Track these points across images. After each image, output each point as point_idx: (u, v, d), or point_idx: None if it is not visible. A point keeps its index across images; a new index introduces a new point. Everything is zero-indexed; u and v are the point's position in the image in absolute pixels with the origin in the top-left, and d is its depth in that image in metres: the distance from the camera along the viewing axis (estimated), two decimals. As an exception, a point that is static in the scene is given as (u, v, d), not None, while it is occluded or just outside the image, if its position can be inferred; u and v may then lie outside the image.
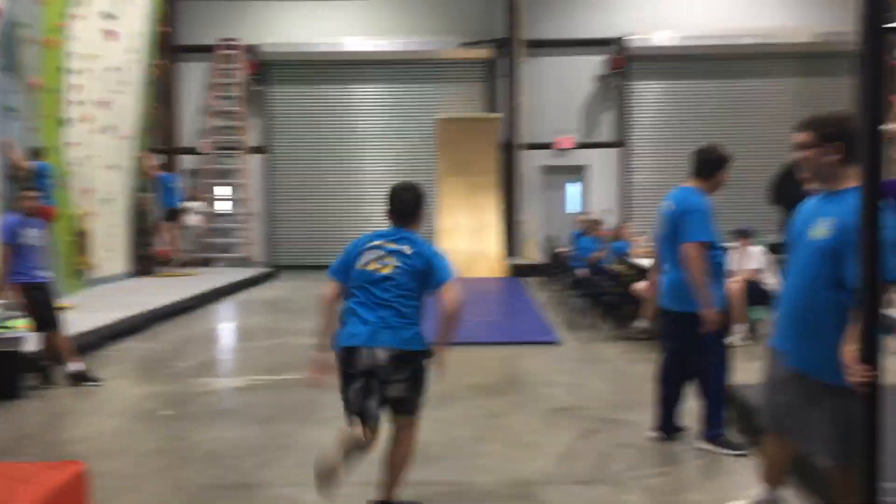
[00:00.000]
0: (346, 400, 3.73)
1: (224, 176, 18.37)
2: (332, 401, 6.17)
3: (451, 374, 7.09)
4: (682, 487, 4.28)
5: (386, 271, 3.74)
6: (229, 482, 4.45)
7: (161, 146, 17.31)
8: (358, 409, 3.66)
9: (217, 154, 18.13)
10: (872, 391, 2.64)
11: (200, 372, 7.48)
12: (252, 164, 18.29)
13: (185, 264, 15.49)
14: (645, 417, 5.64)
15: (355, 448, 3.60)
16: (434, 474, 4.53)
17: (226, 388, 6.82)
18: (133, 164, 14.50)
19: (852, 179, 3.06)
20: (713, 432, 4.85)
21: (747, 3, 17.63)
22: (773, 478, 3.60)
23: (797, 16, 17.51)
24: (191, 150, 18.25)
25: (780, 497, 3.64)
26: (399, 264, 3.74)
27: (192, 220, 15.94)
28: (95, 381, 6.84)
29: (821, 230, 3.11)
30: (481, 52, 17.78)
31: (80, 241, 12.12)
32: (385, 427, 3.82)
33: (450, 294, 3.74)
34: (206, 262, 17.66)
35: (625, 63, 17.43)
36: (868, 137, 2.56)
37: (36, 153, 10.30)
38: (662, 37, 17.37)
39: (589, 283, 9.82)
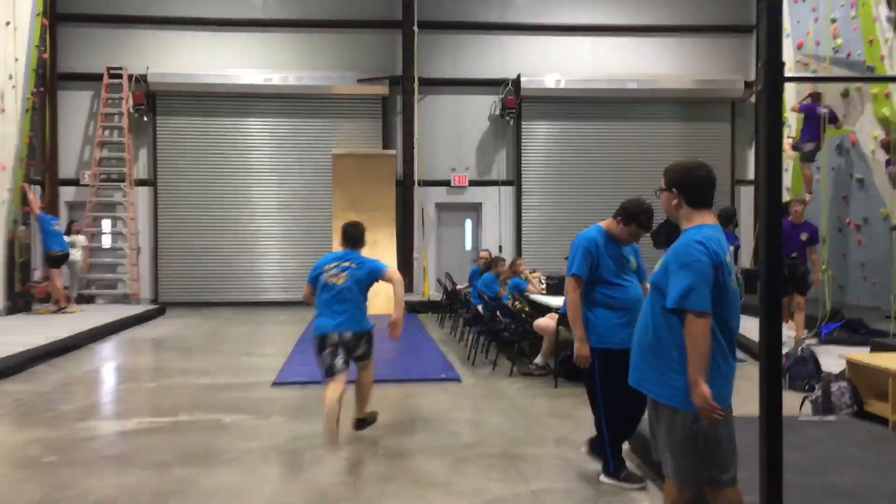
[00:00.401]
0: (322, 362, 5.83)
1: (108, 209, 17.66)
2: (230, 443, 6.00)
3: (352, 413, 7.02)
4: (589, 522, 4.35)
5: (340, 282, 5.90)
6: (124, 533, 4.21)
7: (40, 178, 16.50)
8: (328, 366, 5.76)
9: (101, 186, 17.43)
10: (775, 422, 2.75)
11: (85, 415, 7.09)
12: (138, 198, 17.67)
13: (66, 300, 14.72)
14: (547, 452, 5.73)
15: (335, 397, 5.54)
16: (341, 517, 4.43)
17: (115, 432, 6.47)
18: (10, 195, 13.75)
19: (691, 221, 3.42)
20: (612, 467, 4.95)
21: (631, 51, 18.49)
22: None
23: (678, 64, 18.50)
24: (73, 182, 17.47)
25: None
26: (348, 276, 5.92)
27: (74, 254, 15.18)
28: (-31, 427, 6.38)
29: (657, 266, 3.45)
30: (377, 89, 17.88)
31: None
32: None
33: (392, 274, 6.06)
34: (88, 299, 16.87)
35: (516, 104, 17.90)
36: (768, 182, 2.70)
37: None
38: (552, 79, 17.96)
39: (487, 320, 9.91)
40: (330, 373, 5.74)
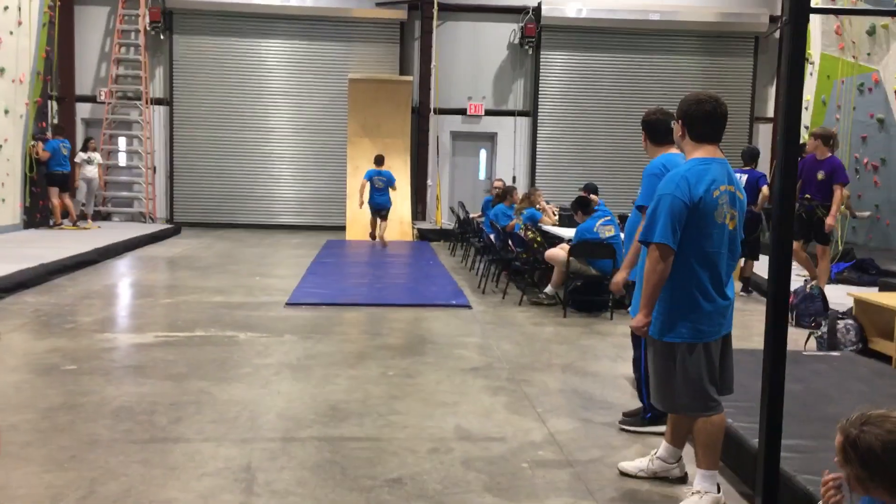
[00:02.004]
0: (371, 218, 14.73)
1: (124, 127, 17.67)
2: (244, 358, 6.17)
3: (363, 335, 7.18)
4: (592, 443, 4.49)
5: (380, 185, 14.29)
6: (143, 437, 4.38)
7: (57, 93, 16.48)
8: (374, 219, 14.67)
9: (117, 104, 17.40)
10: (777, 355, 2.83)
11: (103, 327, 7.28)
12: (154, 117, 17.64)
13: (81, 217, 14.89)
14: (553, 378, 5.87)
15: (375, 230, 14.81)
16: (352, 430, 4.58)
17: (132, 345, 6.65)
18: (27, 109, 13.77)
19: (692, 154, 3.56)
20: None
21: (656, -19, 18.06)
22: (676, 438, 3.85)
23: (702, -4, 18.08)
24: (90, 99, 17.44)
25: (677, 455, 3.88)
26: (384, 182, 14.32)
27: (90, 172, 15.27)
28: (-8, 334, 6.57)
29: None
30: (395, 13, 17.60)
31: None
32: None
33: (396, 187, 14.68)
34: (104, 217, 17.05)
35: (536, 32, 17.60)
36: (786, 118, 2.71)
37: None
38: (573, 8, 17.60)
39: (499, 249, 10.00)
40: (374, 221, 14.59)
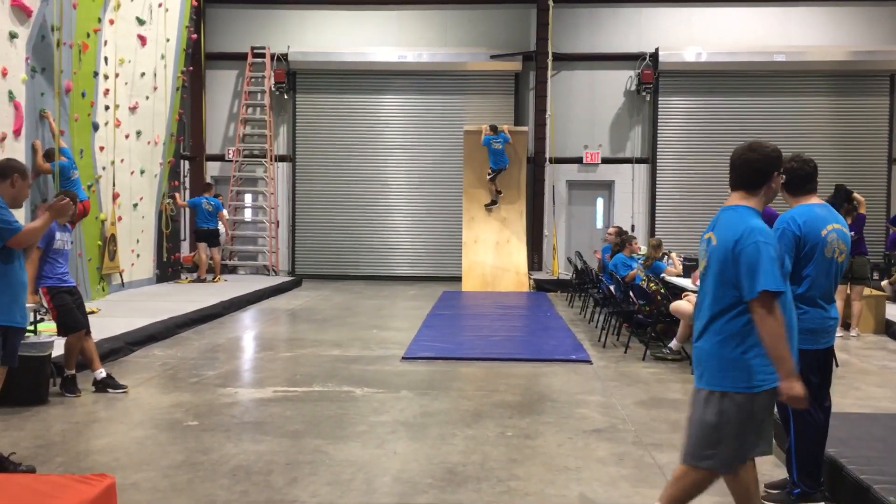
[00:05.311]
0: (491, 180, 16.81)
1: (250, 184, 18.36)
2: (360, 416, 6.08)
3: (480, 391, 6.96)
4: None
5: (498, 146, 16.44)
6: (259, 499, 4.32)
7: (189, 153, 17.35)
8: (493, 180, 16.77)
9: (244, 161, 18.13)
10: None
11: (226, 381, 7.38)
12: (278, 173, 18.27)
13: (205, 272, 15.48)
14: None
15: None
16: (470, 496, 4.38)
17: (252, 400, 6.70)
18: (161, 169, 14.50)
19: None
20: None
21: (778, 21, 17.43)
22: None
23: (829, 34, 17.30)
24: (218, 157, 18.26)
25: None
26: (501, 142, 16.49)
27: (218, 227, 15.90)
28: (121, 388, 6.76)
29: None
30: (510, 65, 17.67)
31: (107, 245, 12.10)
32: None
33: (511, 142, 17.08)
34: (231, 270, 17.67)
35: (654, 78, 17.26)
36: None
37: (48, 155, 10.11)
38: (692, 53, 17.18)
39: (620, 301, 9.64)
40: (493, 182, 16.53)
